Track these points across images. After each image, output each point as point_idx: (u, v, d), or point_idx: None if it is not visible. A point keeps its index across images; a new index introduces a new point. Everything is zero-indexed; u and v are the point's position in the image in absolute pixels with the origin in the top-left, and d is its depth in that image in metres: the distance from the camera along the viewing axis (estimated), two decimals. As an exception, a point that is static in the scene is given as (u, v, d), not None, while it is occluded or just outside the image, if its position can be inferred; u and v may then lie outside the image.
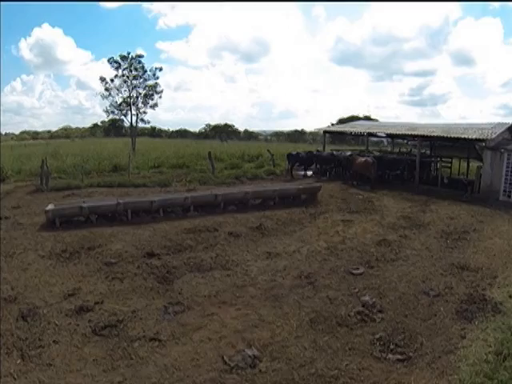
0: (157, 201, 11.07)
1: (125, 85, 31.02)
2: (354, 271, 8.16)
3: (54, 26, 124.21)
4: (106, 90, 31.02)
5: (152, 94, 31.34)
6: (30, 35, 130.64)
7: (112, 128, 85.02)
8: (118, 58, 31.48)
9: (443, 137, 17.60)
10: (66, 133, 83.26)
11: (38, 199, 14.45)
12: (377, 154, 21.62)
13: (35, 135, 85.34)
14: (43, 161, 16.65)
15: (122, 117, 31.52)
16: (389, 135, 21.63)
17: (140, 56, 31.85)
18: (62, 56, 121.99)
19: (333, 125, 67.42)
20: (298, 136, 63.98)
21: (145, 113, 31.94)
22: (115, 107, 31.15)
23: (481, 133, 17.08)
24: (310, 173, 20.36)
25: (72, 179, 18.72)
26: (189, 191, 14.97)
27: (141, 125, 33.21)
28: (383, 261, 8.79)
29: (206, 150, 34.18)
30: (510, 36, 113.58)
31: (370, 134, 21.20)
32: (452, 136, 17.31)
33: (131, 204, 11.01)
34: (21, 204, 13.56)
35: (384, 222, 12.03)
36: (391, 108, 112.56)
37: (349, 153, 20.58)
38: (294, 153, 19.48)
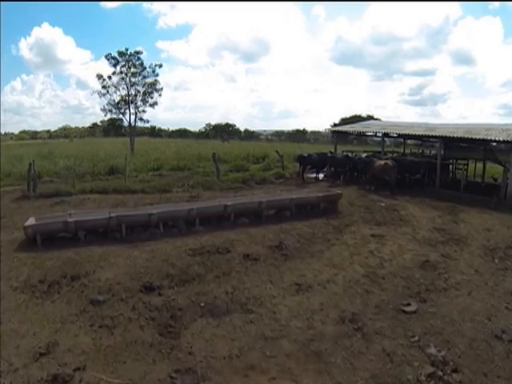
0: (156, 213, 9.20)
1: (123, 82, 29.11)
2: (406, 308, 6.37)
3: (53, 26, 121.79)
4: (104, 87, 29.10)
5: (151, 92, 29.48)
6: (29, 35, 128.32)
7: (112, 128, 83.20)
8: (116, 55, 29.60)
9: (469, 138, 15.86)
10: (65, 132, 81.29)
11: (22, 208, 12.59)
12: (390, 155, 19.90)
13: (34, 135, 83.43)
14: (30, 164, 14.75)
15: (121, 116, 29.61)
16: (406, 136, 19.86)
17: (139, 52, 30.01)
18: (62, 55, 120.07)
19: (336, 125, 65.72)
20: (299, 136, 62.29)
21: (144, 111, 30.09)
22: (113, 106, 29.25)
23: (507, 134, 15.39)
24: (321, 176, 18.58)
25: (64, 183, 16.91)
26: (192, 199, 13.16)
27: (140, 124, 31.30)
28: (434, 291, 7.04)
29: (207, 150, 32.45)
30: (510, 35, 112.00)
31: (386, 135, 19.40)
32: (477, 138, 15.59)
33: (125, 218, 9.16)
34: (3, 214, 11.68)
35: (418, 237, 10.27)
36: (391, 108, 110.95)
37: (364, 155, 18.78)
38: (306, 154, 17.68)
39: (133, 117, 30.01)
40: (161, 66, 29.90)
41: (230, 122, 67.13)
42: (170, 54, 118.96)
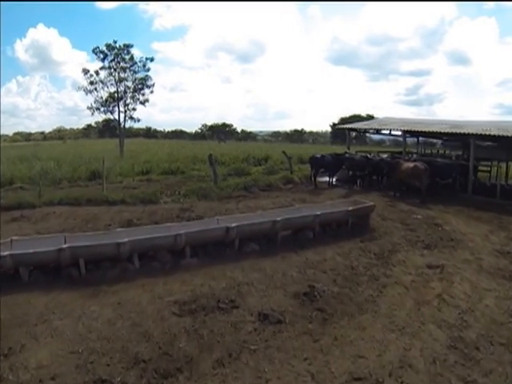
0: (128, 243, 6.18)
1: (111, 78, 25.99)
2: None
3: (49, 27, 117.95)
4: (91, 83, 25.95)
5: (142, 88, 26.34)
6: (25, 36, 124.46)
7: (106, 129, 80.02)
8: (104, 48, 26.48)
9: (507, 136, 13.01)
10: (60, 134, 77.96)
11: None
12: (415, 157, 17.04)
13: (28, 136, 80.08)
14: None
15: (109, 114, 26.43)
16: (430, 134, 16.92)
17: (129, 46, 26.82)
18: (58, 57, 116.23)
19: (335, 124, 62.88)
20: (297, 136, 59.38)
21: (134, 109, 26.93)
22: (101, 103, 26.10)
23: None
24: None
25: (35, 190, 13.87)
26: (183, 212, 10.13)
27: (130, 123, 28.15)
28: None
29: (203, 151, 29.44)
30: (505, 35, 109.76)
31: (408, 133, 16.44)
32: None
33: (83, 250, 6.14)
34: None
35: (485, 266, 7.38)
36: (387, 108, 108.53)
37: (384, 155, 15.85)
38: (319, 156, 14.67)
39: (122, 115, 26.82)
40: (152, 59, 26.78)
41: (222, 121, 63.90)
42: (166, 55, 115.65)
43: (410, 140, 26.78)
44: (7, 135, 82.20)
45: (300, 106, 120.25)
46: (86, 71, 25.83)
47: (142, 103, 26.70)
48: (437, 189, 13.74)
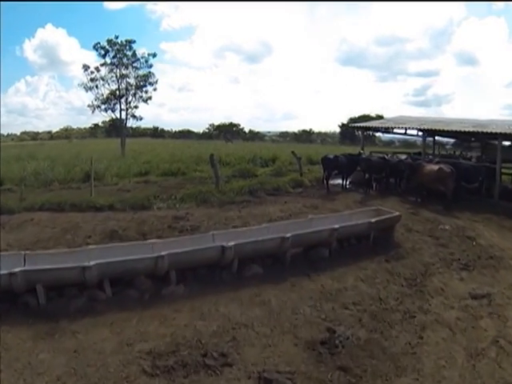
0: (95, 267, 4.82)
1: (112, 75, 24.77)
2: None
3: (57, 27, 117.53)
4: (91, 80, 24.77)
5: (144, 86, 25.09)
6: (33, 36, 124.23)
7: (113, 128, 79.26)
8: (106, 44, 25.28)
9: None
10: (67, 133, 77.32)
11: None
12: (437, 159, 15.54)
13: (35, 136, 79.62)
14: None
15: (110, 112, 25.20)
16: (453, 134, 15.36)
17: (131, 41, 25.59)
18: (66, 57, 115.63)
19: (344, 125, 61.16)
20: (305, 137, 57.82)
21: (136, 107, 25.67)
22: (102, 101, 24.90)
23: None
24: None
25: (26, 192, 12.66)
26: (176, 221, 8.77)
27: (132, 122, 26.94)
28: None
29: (208, 151, 28.02)
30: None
31: (427, 132, 14.88)
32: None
33: (41, 274, 4.81)
34: None
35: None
36: (395, 109, 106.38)
37: (403, 156, 14.33)
38: (332, 156, 13.18)
39: (124, 113, 25.59)
40: (155, 55, 25.49)
41: (230, 121, 62.36)
42: (174, 55, 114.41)
43: (415, 140, 25.15)
44: (15, 134, 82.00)
45: (308, 106, 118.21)
46: (86, 67, 24.66)
47: (145, 101, 25.45)
48: (462, 194, 12.23)
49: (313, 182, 14.01)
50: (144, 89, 25.31)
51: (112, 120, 76.68)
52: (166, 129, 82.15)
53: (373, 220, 7.04)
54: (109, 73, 24.58)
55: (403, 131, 16.80)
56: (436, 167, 11.51)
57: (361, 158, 13.20)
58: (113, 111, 25.10)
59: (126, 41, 25.57)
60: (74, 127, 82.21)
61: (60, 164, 17.92)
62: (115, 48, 25.05)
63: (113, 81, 24.91)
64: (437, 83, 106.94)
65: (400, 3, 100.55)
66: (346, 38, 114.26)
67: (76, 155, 23.09)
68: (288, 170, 17.75)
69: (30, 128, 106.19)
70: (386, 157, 13.32)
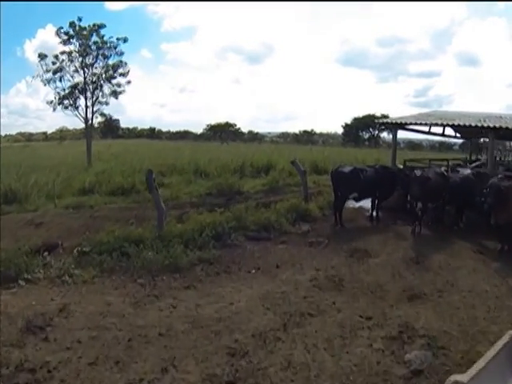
0: None
1: (75, 65, 19.46)
2: None
3: (57, 27, 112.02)
4: (48, 71, 19.43)
5: (112, 77, 19.75)
6: (34, 37, 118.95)
7: (107, 129, 74.15)
8: (70, 30, 19.95)
9: None
10: (62, 134, 72.16)
11: None
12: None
13: (30, 137, 74.60)
14: None
15: (72, 109, 19.78)
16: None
17: (100, 26, 20.25)
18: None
19: (347, 125, 55.55)
20: (306, 137, 52.32)
21: (106, 104, 20.37)
22: (62, 97, 19.58)
23: None
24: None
25: None
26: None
27: (100, 120, 21.78)
28: None
29: (196, 155, 23.06)
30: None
31: (488, 130, 9.45)
32: None
33: None
34: None
35: None
36: (397, 109, 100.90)
37: (466, 171, 8.84)
38: (348, 170, 7.74)
39: (90, 111, 20.22)
40: (125, 40, 20.00)
41: (231, 122, 56.61)
42: (175, 56, 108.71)
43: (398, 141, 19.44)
44: (11, 135, 77.10)
45: (309, 106, 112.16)
46: (42, 56, 19.30)
47: (115, 95, 20.07)
48: None
49: (324, 210, 8.62)
50: (113, 81, 19.95)
51: (107, 121, 71.24)
52: (163, 129, 77.14)
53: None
54: (69, 62, 19.20)
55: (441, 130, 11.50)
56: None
57: (400, 172, 7.85)
58: (75, 108, 19.72)
59: (93, 25, 20.22)
60: (71, 128, 76.94)
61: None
62: (82, 34, 19.73)
63: (76, 72, 19.58)
64: (438, 84, 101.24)
65: (401, 3, 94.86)
66: (347, 39, 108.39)
67: (31, 164, 17.77)
68: (287, 184, 12.47)
69: (30, 129, 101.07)
70: (444, 172, 7.83)
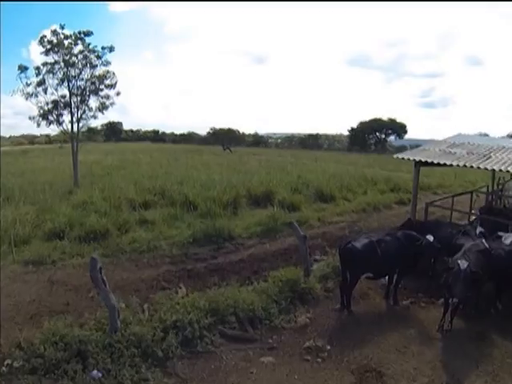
0: None
1: (56, 77, 17.75)
2: None
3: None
4: (28, 85, 17.67)
5: (98, 89, 17.99)
6: (38, 38, 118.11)
7: (110, 132, 72.99)
8: (54, 38, 18.24)
9: None
10: (65, 137, 70.72)
11: None
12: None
13: (32, 139, 73.58)
14: None
15: (57, 125, 18.11)
16: None
17: (87, 34, 18.48)
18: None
19: (353, 129, 53.32)
20: (312, 141, 50.29)
21: (94, 117, 18.66)
22: (44, 112, 17.87)
23: None
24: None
25: None
26: None
27: (87, 133, 19.93)
28: None
29: (194, 166, 21.53)
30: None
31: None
32: None
33: None
34: None
35: None
36: (403, 110, 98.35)
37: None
38: (362, 244, 5.73)
39: (76, 126, 18.53)
40: (111, 49, 18.22)
41: (233, 128, 54.65)
42: (178, 58, 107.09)
43: (404, 145, 17.53)
44: (15, 136, 76.31)
45: (315, 107, 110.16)
46: (22, 69, 17.58)
47: (101, 109, 18.33)
48: None
49: (328, 285, 6.77)
50: (100, 93, 18.18)
51: (110, 123, 69.29)
52: (167, 132, 75.68)
53: None
54: (50, 74, 17.48)
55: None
56: None
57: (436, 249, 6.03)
58: (59, 124, 18.04)
59: (78, 32, 18.46)
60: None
61: None
62: (67, 42, 17.99)
63: (59, 85, 17.85)
64: (443, 84, 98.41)
65: (406, 4, 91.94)
66: (353, 40, 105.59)
67: (14, 183, 16.15)
68: (286, 223, 10.64)
69: (35, 130, 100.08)
70: (487, 246, 5.91)
